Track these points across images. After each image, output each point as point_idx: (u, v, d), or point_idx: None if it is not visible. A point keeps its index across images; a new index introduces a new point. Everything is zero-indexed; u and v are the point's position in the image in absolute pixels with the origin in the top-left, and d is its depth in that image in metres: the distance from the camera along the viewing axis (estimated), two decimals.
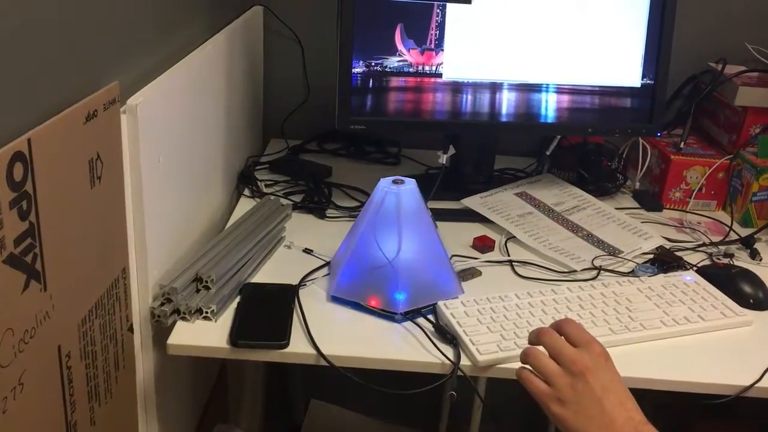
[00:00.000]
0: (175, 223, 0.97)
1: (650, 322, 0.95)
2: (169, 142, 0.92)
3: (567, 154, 1.38)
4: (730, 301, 1.00)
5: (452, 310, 0.94)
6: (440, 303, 0.95)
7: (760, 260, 1.16)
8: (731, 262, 1.13)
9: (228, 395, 1.35)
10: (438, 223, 1.13)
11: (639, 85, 1.23)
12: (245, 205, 1.20)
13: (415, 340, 0.91)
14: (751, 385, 0.87)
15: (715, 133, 1.40)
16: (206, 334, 0.89)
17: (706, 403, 0.87)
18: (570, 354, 0.73)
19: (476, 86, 1.19)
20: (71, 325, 0.70)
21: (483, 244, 1.13)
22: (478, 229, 1.19)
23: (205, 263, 0.95)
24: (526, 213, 1.23)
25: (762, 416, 1.58)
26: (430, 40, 1.16)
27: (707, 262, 1.13)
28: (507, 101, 1.20)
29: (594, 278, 1.06)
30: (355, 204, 1.24)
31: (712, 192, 1.32)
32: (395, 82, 1.17)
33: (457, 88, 1.19)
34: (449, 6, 1.15)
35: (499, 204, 1.25)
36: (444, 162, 1.22)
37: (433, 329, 0.92)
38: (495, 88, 1.20)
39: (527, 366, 0.76)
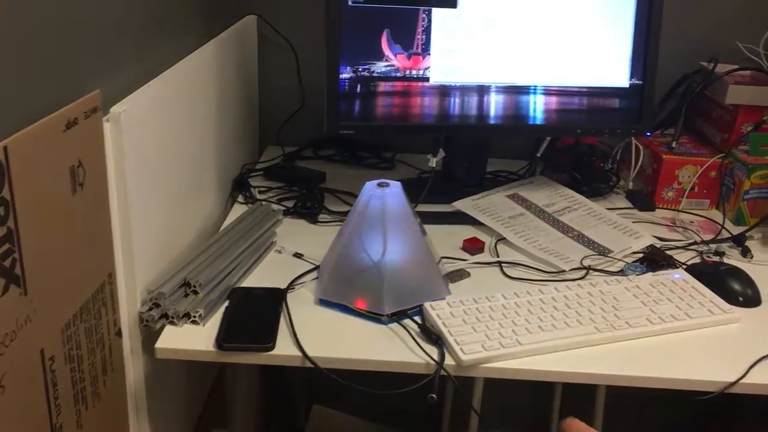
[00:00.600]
0: (165, 229, 0.99)
1: (636, 320, 0.95)
2: (156, 149, 0.93)
3: (560, 156, 1.39)
4: (718, 298, 1.01)
5: (438, 311, 0.94)
6: (426, 304, 0.96)
7: (752, 258, 1.16)
8: (721, 260, 1.13)
9: (225, 401, 1.36)
10: (429, 225, 1.14)
11: (627, 86, 1.24)
12: (238, 211, 1.22)
13: (400, 342, 0.91)
14: (736, 381, 0.87)
15: (708, 132, 1.40)
16: (194, 338, 0.90)
17: (698, 400, 0.86)
18: None
19: (464, 89, 1.20)
20: (54, 329, 0.71)
21: (473, 246, 1.14)
22: (469, 232, 1.20)
23: (193, 268, 0.96)
24: (517, 215, 1.23)
25: None
26: (417, 45, 1.17)
27: (698, 261, 1.13)
28: (495, 104, 1.21)
29: (582, 278, 1.06)
30: (347, 209, 1.25)
31: (705, 191, 1.32)
32: (383, 86, 1.18)
33: (444, 91, 1.20)
34: (435, 10, 1.16)
35: (490, 206, 1.25)
36: (434, 165, 1.23)
37: (418, 330, 0.93)
38: (483, 90, 1.21)
39: None
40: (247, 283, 1.03)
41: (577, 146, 1.38)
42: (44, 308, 0.69)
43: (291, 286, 1.01)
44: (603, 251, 1.14)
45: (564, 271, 1.08)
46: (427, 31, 1.17)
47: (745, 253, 1.16)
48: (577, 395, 1.72)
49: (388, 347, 0.91)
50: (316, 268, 1.06)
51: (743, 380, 0.87)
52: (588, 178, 1.35)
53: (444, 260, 1.09)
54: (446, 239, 1.16)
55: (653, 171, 1.34)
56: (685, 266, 1.10)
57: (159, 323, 0.91)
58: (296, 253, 1.10)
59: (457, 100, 1.20)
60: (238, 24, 1.37)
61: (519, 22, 1.19)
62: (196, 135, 1.11)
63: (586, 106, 1.24)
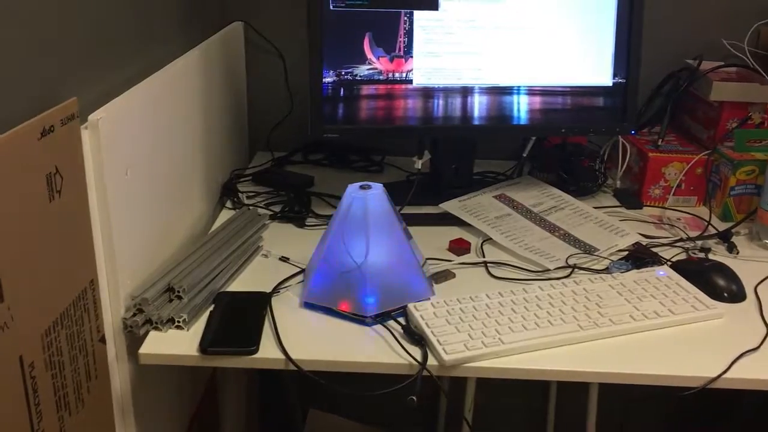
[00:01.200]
0: (149, 235, 0.99)
1: (620, 317, 0.95)
2: (137, 156, 0.94)
3: (547, 156, 1.39)
4: (702, 294, 1.01)
5: (422, 312, 0.95)
6: (410, 305, 0.96)
7: (737, 254, 1.16)
8: (706, 257, 1.13)
9: (217, 408, 1.36)
10: (416, 227, 1.15)
11: (611, 84, 1.24)
12: (226, 216, 1.22)
13: (384, 343, 0.92)
14: (719, 376, 0.87)
15: (695, 129, 1.40)
16: (178, 343, 0.91)
17: (682, 396, 0.87)
18: None
19: (447, 91, 1.21)
20: (33, 335, 0.72)
21: (459, 247, 1.14)
22: (456, 233, 1.20)
23: (177, 273, 0.97)
24: (504, 215, 1.24)
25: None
26: (399, 48, 1.18)
27: (683, 257, 1.13)
28: (479, 105, 1.22)
29: (567, 276, 1.07)
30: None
31: (692, 188, 1.32)
32: (366, 90, 1.18)
33: (428, 93, 1.20)
34: (416, 13, 1.17)
35: (477, 207, 1.26)
36: (419, 167, 1.24)
37: (402, 331, 0.93)
38: (466, 92, 1.21)
39: None
40: (232, 287, 1.04)
41: (564, 146, 1.38)
42: (22, 315, 0.69)
43: (276, 289, 1.02)
44: (589, 250, 1.14)
45: (549, 270, 1.08)
46: (409, 33, 1.17)
47: (731, 249, 1.17)
48: (571, 395, 1.72)
49: (373, 349, 0.91)
50: (302, 271, 1.07)
51: (726, 375, 0.87)
52: (576, 177, 1.35)
53: (429, 261, 1.09)
54: (433, 240, 1.17)
55: (640, 169, 1.35)
56: (669, 263, 1.10)
57: (143, 329, 0.91)
58: (282, 257, 1.11)
59: (441, 102, 1.21)
60: (224, 31, 1.38)
61: (500, 23, 1.20)
62: (181, 141, 1.11)
63: (570, 106, 1.24)
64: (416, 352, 0.89)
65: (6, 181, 0.65)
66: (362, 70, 1.18)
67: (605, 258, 1.12)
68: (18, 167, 0.67)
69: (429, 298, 0.99)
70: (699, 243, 1.17)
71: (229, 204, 1.30)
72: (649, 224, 1.26)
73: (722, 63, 1.38)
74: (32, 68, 0.73)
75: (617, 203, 1.34)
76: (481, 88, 1.21)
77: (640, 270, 1.06)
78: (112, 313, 0.89)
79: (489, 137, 1.45)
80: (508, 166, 1.44)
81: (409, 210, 1.23)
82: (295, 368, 0.88)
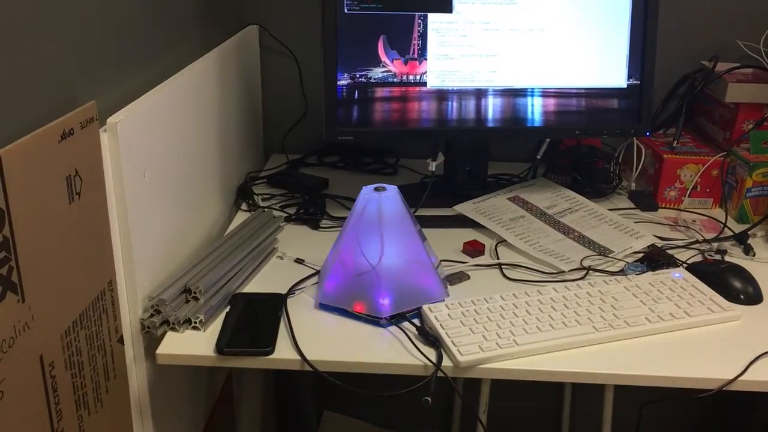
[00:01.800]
0: (166, 237, 1.00)
1: (635, 319, 0.95)
2: (155, 158, 0.95)
3: (562, 158, 1.39)
4: (718, 296, 1.00)
5: (436, 313, 0.95)
6: (425, 306, 0.96)
7: (754, 256, 1.15)
8: (722, 259, 1.12)
9: (233, 409, 1.37)
10: (431, 229, 1.15)
11: (625, 86, 1.24)
12: (242, 218, 1.23)
13: (399, 344, 0.92)
14: (735, 378, 0.87)
15: (710, 130, 1.40)
16: (195, 344, 0.92)
17: (698, 398, 0.86)
18: None
19: (461, 93, 1.21)
20: (53, 335, 0.73)
21: (473, 249, 1.14)
22: (470, 235, 1.21)
23: (194, 275, 0.98)
24: (518, 217, 1.24)
25: None
26: (413, 50, 1.18)
27: (699, 259, 1.13)
28: (493, 107, 1.22)
29: (582, 278, 1.06)
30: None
31: (708, 190, 1.32)
32: (380, 92, 1.19)
33: (442, 95, 1.21)
34: (430, 15, 1.17)
35: (491, 209, 1.26)
36: (433, 169, 1.24)
37: (417, 333, 0.93)
38: (480, 94, 1.21)
39: None
40: (248, 288, 1.04)
41: (578, 148, 1.38)
42: (42, 315, 0.70)
43: (291, 291, 1.03)
44: (603, 251, 1.14)
45: (564, 271, 1.08)
46: (423, 36, 1.18)
47: (748, 250, 1.16)
48: (586, 398, 1.72)
49: (387, 350, 0.91)
50: (317, 273, 1.07)
51: (742, 377, 0.87)
52: (590, 179, 1.35)
53: (444, 263, 1.09)
54: (447, 242, 1.17)
55: (655, 171, 1.34)
56: (685, 265, 1.10)
57: (160, 330, 0.92)
58: (297, 258, 1.12)
59: (455, 104, 1.21)
60: (240, 34, 1.39)
61: (514, 25, 1.20)
62: (197, 144, 1.12)
63: (584, 108, 1.24)
64: (431, 353, 0.90)
65: (27, 183, 0.66)
66: (376, 73, 1.18)
67: (620, 260, 1.12)
68: (39, 169, 0.68)
69: (443, 300, 0.99)
70: (715, 245, 1.17)
71: (244, 206, 1.31)
72: (665, 226, 1.26)
73: (738, 64, 1.38)
74: (52, 72, 0.75)
75: (632, 205, 1.34)
76: (495, 91, 1.22)
77: (656, 272, 1.06)
78: (130, 313, 0.91)
79: (503, 139, 1.45)
80: (522, 168, 1.44)
81: (423, 212, 1.24)
82: (311, 369, 0.88)
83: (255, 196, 1.32)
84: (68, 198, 0.74)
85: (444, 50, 1.19)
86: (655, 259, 1.11)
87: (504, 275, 1.09)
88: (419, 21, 1.17)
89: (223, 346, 0.89)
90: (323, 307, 0.99)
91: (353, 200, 1.30)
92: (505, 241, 1.17)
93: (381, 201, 0.97)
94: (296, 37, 1.52)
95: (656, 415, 1.75)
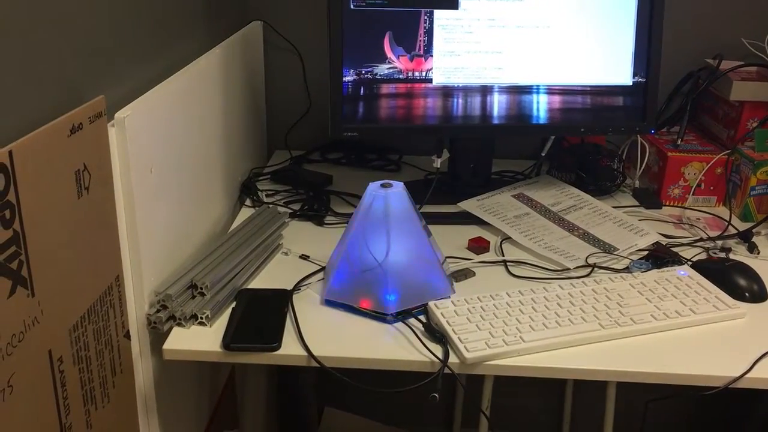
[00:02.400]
0: (172, 232, 1.00)
1: (640, 316, 0.95)
2: (161, 153, 0.95)
3: (566, 155, 1.39)
4: (724, 294, 1.01)
5: (442, 310, 0.95)
6: (431, 303, 0.96)
7: (758, 254, 1.15)
8: (727, 257, 1.12)
9: (236, 403, 1.37)
10: (435, 226, 1.15)
11: (630, 83, 1.24)
12: (246, 214, 1.23)
13: (405, 341, 0.92)
14: (741, 376, 0.87)
15: (715, 128, 1.40)
16: (201, 339, 0.92)
17: (703, 395, 0.86)
18: None
19: (467, 90, 1.21)
20: (62, 330, 0.73)
21: (478, 246, 1.14)
22: (475, 232, 1.21)
23: (200, 270, 0.98)
24: (523, 214, 1.24)
25: None
26: (419, 47, 1.18)
27: (703, 257, 1.13)
28: (498, 104, 1.22)
29: (587, 275, 1.07)
30: (353, 211, 1.25)
31: (712, 188, 1.32)
32: (386, 88, 1.19)
33: (447, 92, 1.21)
34: (436, 12, 1.17)
35: (495, 206, 1.26)
36: (438, 166, 1.24)
37: (423, 329, 0.93)
38: (486, 91, 1.21)
39: None
40: (253, 284, 1.04)
41: (582, 145, 1.38)
42: (51, 310, 0.70)
43: (297, 287, 1.03)
44: (608, 249, 1.14)
45: (569, 269, 1.08)
46: (429, 32, 1.18)
47: (752, 248, 1.16)
48: (588, 396, 1.72)
49: (393, 346, 0.91)
50: (322, 269, 1.07)
51: (748, 375, 0.87)
52: (594, 176, 1.35)
53: (449, 260, 1.09)
54: (452, 239, 1.17)
55: (659, 168, 1.34)
56: (690, 263, 1.10)
57: (167, 325, 0.92)
58: (302, 254, 1.12)
59: (460, 100, 1.21)
60: (244, 30, 1.39)
61: (520, 22, 1.20)
62: (202, 139, 1.12)
63: (589, 105, 1.24)
64: (437, 349, 0.90)
65: (37, 177, 0.66)
66: (382, 69, 1.18)
67: (625, 257, 1.12)
68: (48, 164, 0.68)
69: (449, 296, 0.99)
70: (719, 243, 1.17)
71: (248, 202, 1.31)
72: (669, 224, 1.26)
73: (742, 62, 1.38)
74: (61, 67, 0.74)
75: (636, 203, 1.34)
76: (500, 87, 1.22)
77: (661, 269, 1.06)
78: (136, 308, 0.90)
79: (508, 136, 1.45)
80: (526, 166, 1.44)
81: (427, 209, 1.24)
82: (317, 365, 0.88)
83: (259, 192, 1.32)
84: (77, 193, 0.74)
85: (450, 47, 1.19)
86: (660, 256, 1.11)
87: (509, 272, 1.09)
88: (425, 17, 1.17)
89: (229, 341, 0.89)
90: (329, 303, 0.99)
91: (357, 197, 1.31)
92: (509, 238, 1.18)
93: (388, 197, 0.97)
94: (300, 34, 1.51)
95: (656, 410, 1.76)
